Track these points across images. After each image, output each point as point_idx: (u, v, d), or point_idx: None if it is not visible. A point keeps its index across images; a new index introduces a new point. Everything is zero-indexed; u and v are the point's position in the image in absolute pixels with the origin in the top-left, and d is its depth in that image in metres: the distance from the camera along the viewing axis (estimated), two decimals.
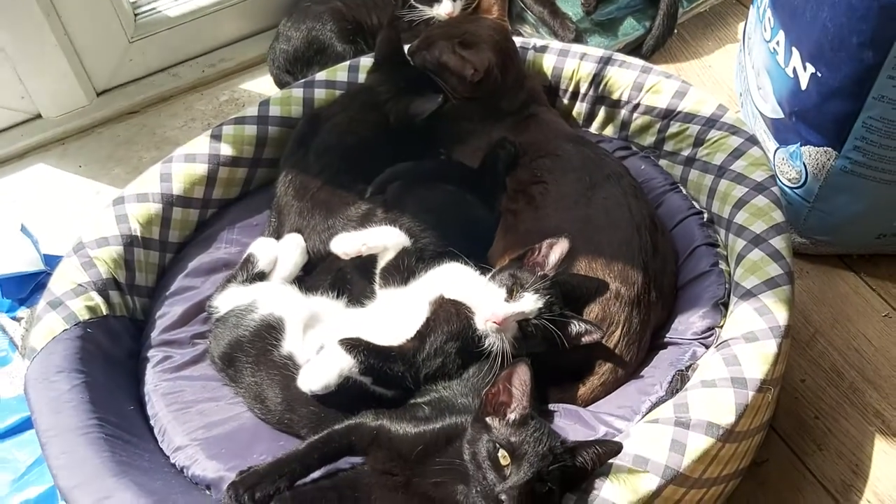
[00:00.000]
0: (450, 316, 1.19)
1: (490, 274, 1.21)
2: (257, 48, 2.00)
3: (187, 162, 1.47)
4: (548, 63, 1.60)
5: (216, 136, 1.50)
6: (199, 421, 1.26)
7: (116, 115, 1.92)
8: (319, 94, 1.57)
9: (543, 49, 1.61)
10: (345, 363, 1.14)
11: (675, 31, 1.99)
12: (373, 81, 1.54)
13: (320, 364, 1.15)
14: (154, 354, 1.35)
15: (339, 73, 1.60)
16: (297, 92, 1.57)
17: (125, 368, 1.34)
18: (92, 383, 1.24)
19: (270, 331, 1.24)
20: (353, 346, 1.15)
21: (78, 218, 1.74)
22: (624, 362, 1.24)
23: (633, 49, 1.97)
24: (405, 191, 1.40)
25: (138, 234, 1.40)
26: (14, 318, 1.57)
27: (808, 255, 1.62)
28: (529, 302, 1.14)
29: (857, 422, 1.43)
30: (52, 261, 1.62)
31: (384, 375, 1.16)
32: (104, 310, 1.32)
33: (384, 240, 1.28)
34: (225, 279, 1.37)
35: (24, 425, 1.44)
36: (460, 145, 1.50)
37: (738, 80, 1.82)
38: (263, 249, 1.37)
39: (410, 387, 1.18)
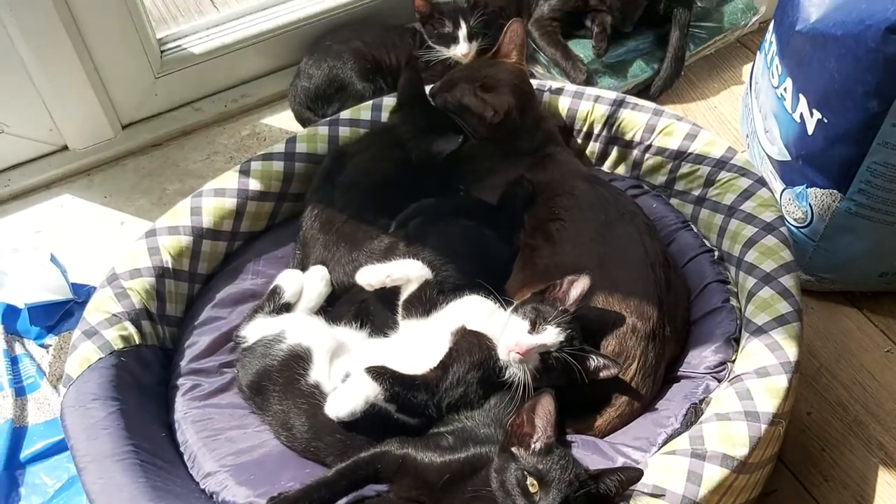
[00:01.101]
0: (472, 346, 1.24)
1: (513, 307, 1.26)
2: (278, 84, 2.06)
3: (217, 196, 1.52)
4: (563, 104, 1.66)
5: (244, 172, 1.55)
6: (227, 448, 1.29)
7: (141, 148, 1.97)
8: (344, 131, 1.63)
9: (559, 91, 1.67)
10: (371, 390, 1.18)
11: (683, 73, 2.05)
12: (396, 121, 1.60)
13: (347, 391, 1.19)
14: (183, 383, 1.38)
15: (363, 111, 1.66)
16: (323, 130, 1.63)
17: (156, 396, 1.38)
18: (126, 410, 1.27)
19: (298, 360, 1.28)
20: (380, 373, 1.19)
21: (103, 247, 1.79)
22: (640, 395, 1.29)
23: (642, 90, 2.03)
24: (427, 225, 1.45)
25: (169, 265, 1.45)
26: (42, 346, 1.61)
27: (813, 292, 1.67)
28: (552, 335, 1.19)
29: (862, 454, 1.47)
30: (79, 289, 1.66)
31: (408, 403, 1.20)
32: (137, 339, 1.36)
33: (407, 272, 1.33)
34: (252, 310, 1.41)
35: (52, 450, 1.48)
36: (480, 183, 1.55)
37: (745, 123, 1.88)
38: (290, 281, 1.41)
39: (433, 415, 1.22)
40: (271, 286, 1.42)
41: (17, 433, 1.50)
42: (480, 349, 1.23)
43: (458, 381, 1.22)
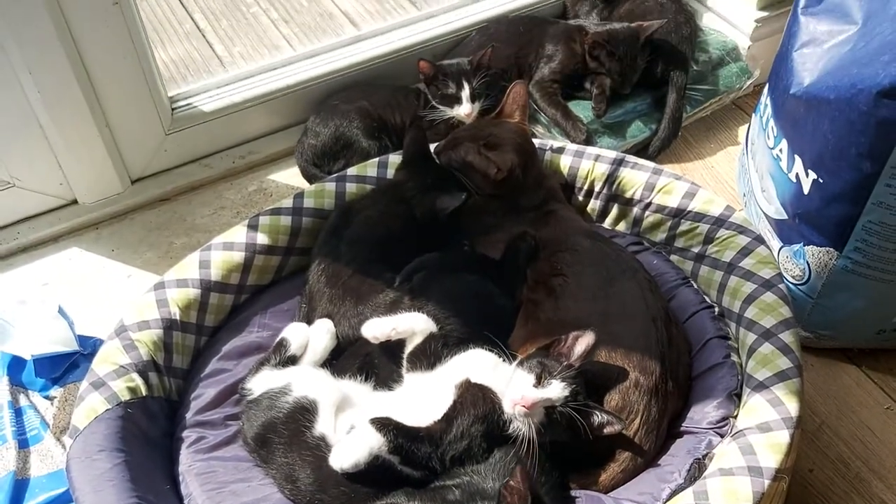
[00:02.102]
0: (476, 399, 1.25)
1: (518, 361, 1.27)
2: (285, 142, 2.10)
3: (225, 250, 1.54)
4: (564, 163, 1.70)
5: (253, 226, 1.58)
6: (231, 501, 1.28)
7: (149, 202, 2.00)
8: (350, 187, 1.66)
9: (560, 150, 1.71)
10: (375, 442, 1.18)
11: (680, 133, 2.10)
12: (401, 178, 1.63)
13: (352, 442, 1.20)
14: (188, 435, 1.39)
15: (370, 168, 1.70)
16: (330, 186, 1.66)
17: (161, 448, 1.38)
18: (131, 462, 1.27)
19: (304, 413, 1.29)
20: (384, 425, 1.20)
21: (110, 300, 1.80)
22: (643, 450, 1.29)
23: (640, 150, 2.08)
24: (431, 280, 1.47)
25: (177, 317, 1.46)
26: (46, 397, 1.61)
27: (812, 349, 1.69)
28: (557, 389, 1.20)
29: None
30: (85, 341, 1.67)
31: (412, 455, 1.21)
32: (144, 391, 1.36)
33: (413, 325, 1.35)
34: (258, 362, 1.42)
35: (54, 503, 1.47)
36: (483, 238, 1.57)
37: (741, 182, 1.92)
38: (295, 334, 1.43)
39: (437, 468, 1.23)
40: (277, 339, 1.43)
41: (20, 485, 1.49)
42: (485, 402, 1.24)
43: (463, 434, 1.23)
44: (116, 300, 1.79)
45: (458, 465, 1.23)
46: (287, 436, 1.29)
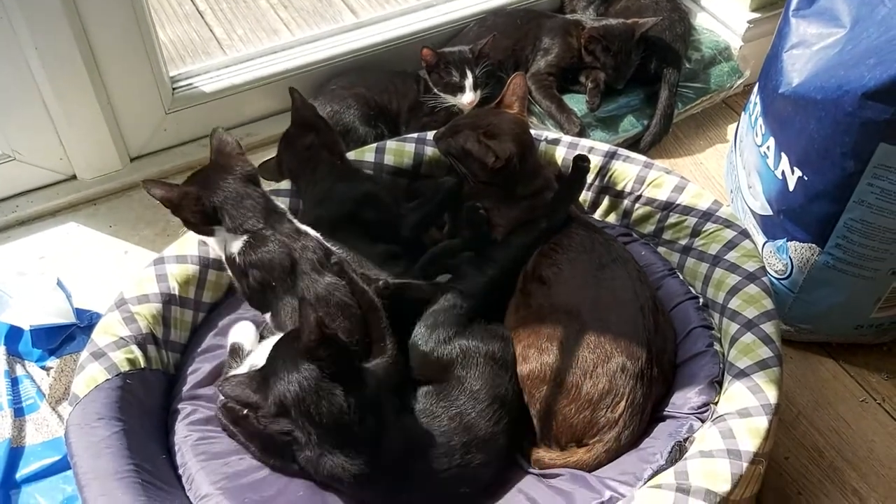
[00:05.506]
0: None
1: None
2: (282, 125, 2.05)
3: None
4: (559, 154, 1.74)
5: None
6: (224, 471, 1.33)
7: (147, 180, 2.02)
8: None
9: (555, 142, 1.75)
10: None
11: (671, 129, 2.15)
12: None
13: None
14: (184, 408, 1.42)
15: (367, 154, 1.72)
16: None
17: (158, 419, 1.42)
18: (129, 431, 1.31)
19: None
20: None
21: (107, 275, 1.82)
22: (628, 432, 1.34)
23: (632, 144, 2.12)
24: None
25: (176, 293, 1.49)
26: (43, 368, 1.64)
27: (792, 342, 1.74)
28: None
29: (837, 499, 1.53)
30: (81, 314, 1.69)
31: None
32: (142, 362, 1.40)
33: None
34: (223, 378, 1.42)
35: (49, 471, 1.50)
36: None
37: (729, 178, 1.97)
38: (244, 335, 1.48)
39: None
40: (228, 347, 1.46)
41: (15, 453, 1.52)
42: None
43: None
44: (113, 275, 1.81)
45: None
46: None
